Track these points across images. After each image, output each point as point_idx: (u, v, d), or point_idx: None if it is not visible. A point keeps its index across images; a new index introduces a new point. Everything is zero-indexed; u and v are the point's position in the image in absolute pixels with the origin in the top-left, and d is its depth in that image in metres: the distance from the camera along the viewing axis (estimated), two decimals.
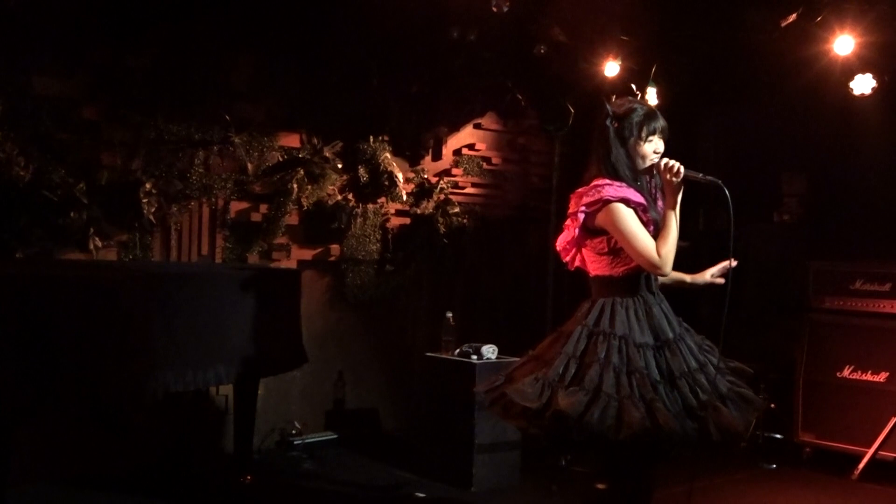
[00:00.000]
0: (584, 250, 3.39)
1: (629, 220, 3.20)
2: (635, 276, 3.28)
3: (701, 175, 3.25)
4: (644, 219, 3.24)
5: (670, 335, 3.22)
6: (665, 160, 3.27)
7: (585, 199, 3.29)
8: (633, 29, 5.47)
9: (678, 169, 3.21)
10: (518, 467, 4.88)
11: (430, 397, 5.01)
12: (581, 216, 3.31)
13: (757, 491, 4.94)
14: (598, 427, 2.99)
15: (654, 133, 3.30)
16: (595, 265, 3.36)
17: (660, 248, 3.19)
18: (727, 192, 3.17)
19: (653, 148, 3.30)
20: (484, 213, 6.47)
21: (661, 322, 3.24)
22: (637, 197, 3.24)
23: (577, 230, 3.35)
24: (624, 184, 3.26)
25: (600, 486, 3.35)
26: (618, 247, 3.26)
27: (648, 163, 3.29)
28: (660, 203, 3.38)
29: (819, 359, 5.45)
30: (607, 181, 3.26)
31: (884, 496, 4.85)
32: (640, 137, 3.29)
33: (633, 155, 3.31)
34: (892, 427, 5.00)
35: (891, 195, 5.75)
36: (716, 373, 3.20)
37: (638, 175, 3.33)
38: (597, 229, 3.28)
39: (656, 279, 3.33)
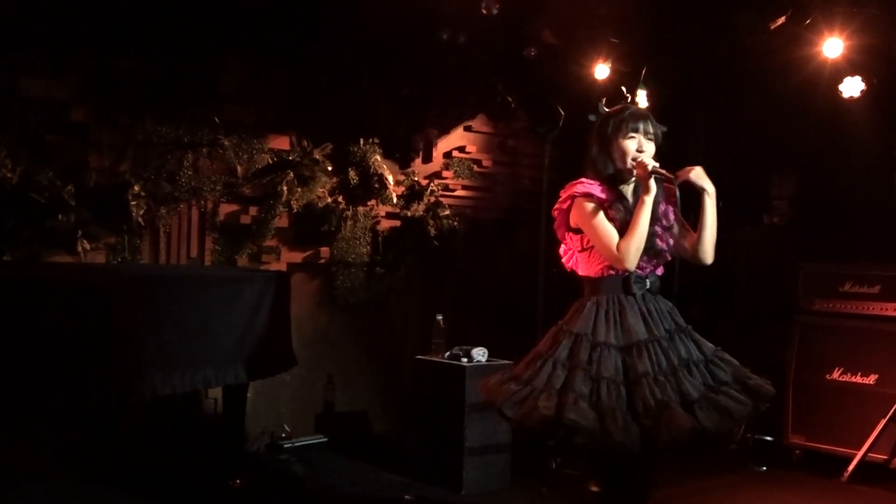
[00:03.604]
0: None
1: (591, 213, 3.26)
2: (612, 276, 3.29)
3: (665, 172, 3.26)
4: (610, 214, 3.26)
5: (643, 337, 3.19)
6: (639, 157, 3.28)
7: (560, 197, 3.39)
8: (624, 32, 5.48)
9: (647, 165, 3.24)
10: (508, 470, 4.87)
11: (420, 400, 4.99)
12: (556, 214, 3.41)
13: (747, 493, 4.94)
14: (515, 415, 3.14)
15: (635, 131, 3.30)
16: (580, 265, 3.40)
17: (621, 242, 3.22)
18: (678, 192, 3.29)
19: (634, 146, 3.29)
20: (474, 215, 6.47)
21: (636, 323, 3.22)
22: (602, 193, 3.28)
23: (557, 229, 3.43)
24: (597, 181, 3.31)
25: (594, 488, 3.35)
26: (588, 245, 3.31)
27: (629, 161, 3.29)
28: (662, 206, 3.37)
29: (809, 361, 5.46)
30: (581, 179, 3.33)
31: (873, 498, 4.85)
32: (619, 134, 3.30)
33: (613, 152, 3.32)
34: (881, 429, 5.01)
35: (880, 197, 5.77)
36: (695, 377, 3.16)
37: (623, 174, 3.33)
38: (575, 227, 3.35)
39: (640, 281, 3.29)
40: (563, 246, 3.50)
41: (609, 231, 3.24)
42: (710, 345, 3.33)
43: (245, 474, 4.67)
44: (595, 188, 3.29)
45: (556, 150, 6.25)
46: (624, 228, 3.24)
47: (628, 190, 3.36)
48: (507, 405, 3.16)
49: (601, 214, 3.26)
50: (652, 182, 3.24)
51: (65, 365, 3.52)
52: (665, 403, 3.04)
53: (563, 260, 3.49)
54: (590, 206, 3.26)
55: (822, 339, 5.44)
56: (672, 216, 3.40)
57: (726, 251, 6.55)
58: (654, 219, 3.31)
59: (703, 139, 6.88)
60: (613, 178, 3.33)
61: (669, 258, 3.42)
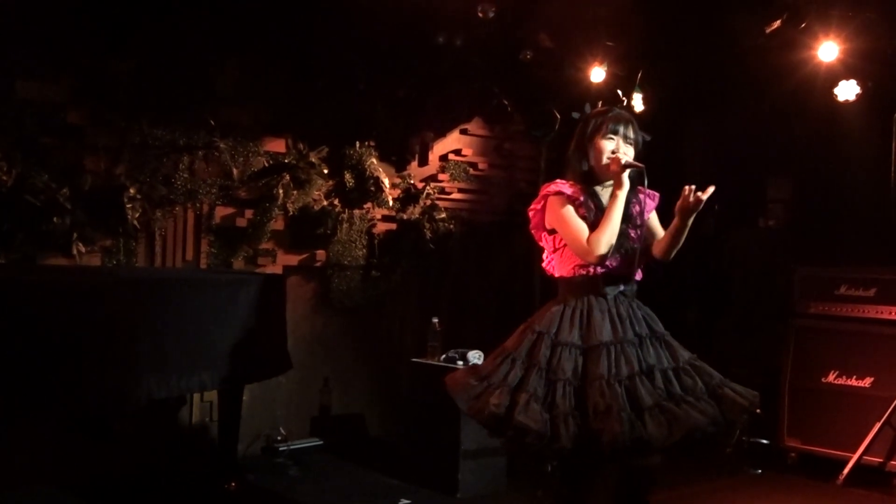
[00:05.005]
0: None
1: (561, 209, 3.30)
2: (582, 276, 3.30)
3: (634, 162, 3.29)
4: (581, 212, 3.29)
5: (606, 339, 3.18)
6: (613, 153, 3.30)
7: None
8: (619, 35, 5.49)
9: (620, 159, 3.26)
10: (504, 473, 4.88)
11: (416, 403, 4.99)
12: (531, 214, 3.43)
13: (742, 496, 4.94)
14: (467, 409, 3.19)
15: (615, 133, 3.32)
16: (555, 266, 3.42)
17: (591, 235, 3.23)
18: (646, 179, 3.29)
19: (612, 146, 3.31)
20: (470, 218, 6.47)
21: (601, 325, 3.22)
22: (572, 190, 3.31)
23: (534, 232, 3.45)
24: (569, 181, 3.35)
25: (563, 490, 3.35)
26: (562, 244, 3.34)
27: (605, 159, 3.30)
28: (637, 208, 3.38)
29: (804, 364, 5.46)
30: (556, 181, 3.37)
31: (868, 501, 4.86)
32: (599, 133, 3.33)
33: (589, 150, 3.35)
34: (876, 432, 5.01)
35: (875, 200, 5.76)
36: (655, 385, 3.12)
37: (598, 173, 3.35)
38: (550, 229, 3.38)
39: (613, 283, 3.29)
40: (545, 251, 3.51)
41: (579, 225, 3.26)
42: (687, 353, 3.30)
43: (240, 477, 4.66)
44: (566, 186, 3.32)
45: (551, 153, 6.24)
46: (595, 227, 3.26)
47: (604, 193, 3.37)
48: (461, 398, 3.20)
49: (571, 210, 3.29)
50: (625, 177, 3.26)
51: (60, 368, 3.51)
52: (609, 408, 3.03)
53: (544, 264, 3.50)
54: (560, 202, 3.30)
55: (817, 342, 5.45)
56: (645, 218, 3.42)
57: (722, 254, 6.60)
58: (627, 218, 3.32)
59: (699, 142, 6.89)
60: (588, 177, 3.36)
61: (643, 261, 3.40)
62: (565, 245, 3.33)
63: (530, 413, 3.02)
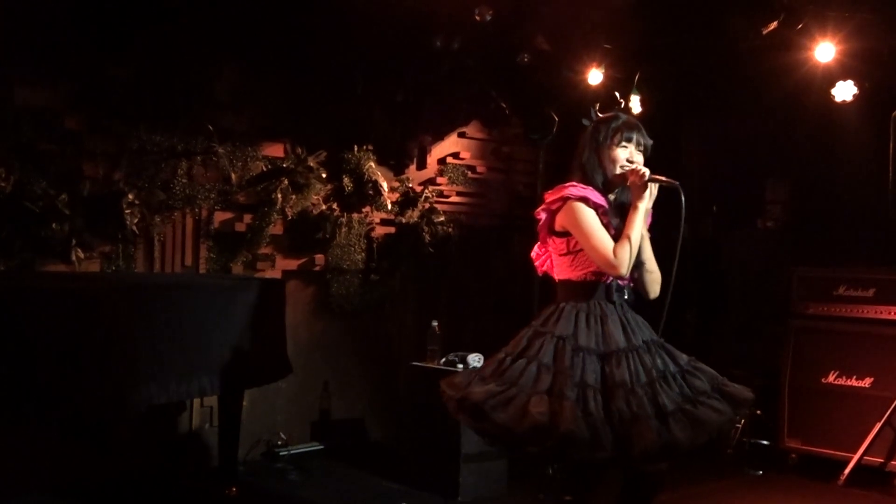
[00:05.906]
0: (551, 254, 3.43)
1: (587, 217, 3.23)
2: (593, 282, 3.27)
3: (664, 178, 3.26)
4: (604, 221, 3.25)
5: (622, 345, 3.16)
6: (633, 164, 3.28)
7: (548, 199, 3.35)
8: (617, 37, 5.49)
9: (643, 172, 3.24)
10: (505, 477, 4.87)
11: (416, 407, 4.99)
12: (543, 215, 3.37)
13: (743, 497, 4.94)
14: (501, 418, 3.00)
15: (629, 140, 3.31)
16: (558, 268, 3.38)
17: (617, 247, 3.20)
18: (682, 196, 3.23)
19: (626, 155, 3.30)
20: (469, 221, 6.47)
21: (615, 331, 3.19)
22: (598, 198, 3.27)
23: (540, 230, 3.40)
24: (590, 186, 3.29)
25: (567, 497, 3.32)
26: (576, 248, 3.28)
27: (619, 169, 3.29)
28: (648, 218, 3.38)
29: (804, 365, 5.46)
30: (573, 183, 3.30)
31: (869, 501, 4.86)
32: (613, 141, 3.31)
33: (603, 159, 3.32)
34: (877, 432, 5.02)
35: (873, 201, 5.77)
36: (672, 389, 3.11)
37: (611, 182, 3.34)
38: (560, 230, 3.32)
39: (620, 291, 3.29)
40: (535, 248, 3.48)
41: (605, 236, 3.22)
42: (684, 355, 3.30)
43: (241, 483, 4.66)
44: (591, 193, 3.27)
45: (550, 156, 6.25)
46: (616, 238, 3.23)
47: (611, 199, 3.36)
48: (490, 405, 3.02)
49: (597, 218, 3.24)
50: (647, 190, 3.24)
51: (59, 374, 3.51)
52: (638, 416, 3.01)
53: (537, 263, 3.48)
54: (586, 210, 3.24)
55: (816, 343, 5.45)
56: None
57: (721, 255, 6.61)
58: None
59: (697, 144, 6.90)
60: (601, 185, 3.33)
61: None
62: (580, 250, 3.27)
63: (577, 421, 2.95)
